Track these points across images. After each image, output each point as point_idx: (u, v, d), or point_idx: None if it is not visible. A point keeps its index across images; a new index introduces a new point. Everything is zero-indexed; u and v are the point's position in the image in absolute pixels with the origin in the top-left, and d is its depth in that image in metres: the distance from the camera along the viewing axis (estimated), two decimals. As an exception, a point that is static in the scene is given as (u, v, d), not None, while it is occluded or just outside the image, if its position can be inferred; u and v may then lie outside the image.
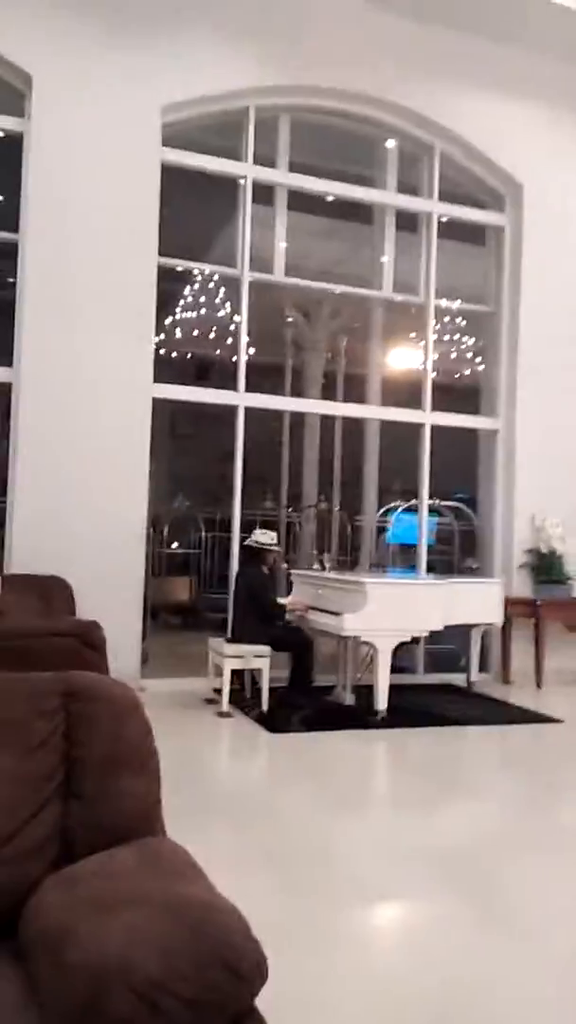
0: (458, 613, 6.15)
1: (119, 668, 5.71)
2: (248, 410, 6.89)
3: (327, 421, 9.05)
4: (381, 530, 9.59)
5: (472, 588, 6.43)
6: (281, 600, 6.11)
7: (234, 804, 3.87)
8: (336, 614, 5.58)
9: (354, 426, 8.84)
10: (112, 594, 5.96)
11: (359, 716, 5.64)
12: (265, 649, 5.63)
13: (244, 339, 6.95)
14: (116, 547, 6.09)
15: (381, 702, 5.52)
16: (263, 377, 8.75)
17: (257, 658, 5.62)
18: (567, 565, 7.36)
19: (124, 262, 6.25)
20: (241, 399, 6.91)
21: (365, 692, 5.78)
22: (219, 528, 9.49)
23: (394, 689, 5.68)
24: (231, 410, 6.86)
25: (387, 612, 5.52)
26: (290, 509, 10.79)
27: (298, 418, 8.95)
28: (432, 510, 7.95)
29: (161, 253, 6.43)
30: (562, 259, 7.66)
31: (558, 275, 7.63)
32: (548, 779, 4.59)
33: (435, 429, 7.46)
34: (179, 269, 7.10)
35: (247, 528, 6.54)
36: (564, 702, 6.67)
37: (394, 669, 5.71)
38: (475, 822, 3.76)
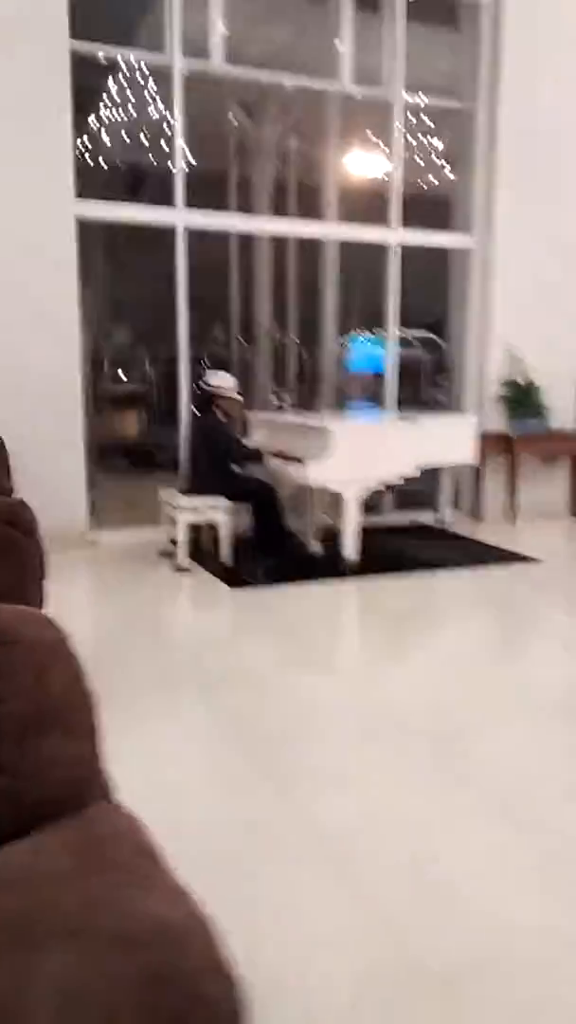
0: (430, 454, 5.74)
1: (64, 522, 5.33)
2: (191, 231, 6.06)
3: (280, 240, 8.15)
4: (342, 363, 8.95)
5: (445, 426, 5.96)
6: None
7: (198, 670, 3.54)
8: (298, 460, 5.13)
9: (311, 245, 7.97)
10: (49, 441, 5.42)
11: (327, 565, 5.27)
12: (223, 501, 5.20)
13: (180, 143, 5.99)
14: (48, 390, 5.47)
15: (350, 551, 5.20)
16: (205, 189, 7.77)
17: (214, 511, 5.21)
18: (543, 396, 6.94)
19: (25, 49, 5.21)
20: (179, 217, 6.03)
21: (334, 539, 5.39)
22: (167, 364, 8.77)
23: (364, 531, 5.34)
24: (171, 231, 6.02)
25: (355, 458, 5.07)
26: (244, 341, 10.05)
27: (247, 238, 8.03)
28: (401, 340, 7.35)
29: (75, 36, 5.38)
30: (550, 44, 6.65)
31: (545, 64, 6.65)
32: (529, 622, 4.38)
33: (402, 249, 6.72)
34: (101, 57, 5.92)
35: (197, 365, 5.92)
36: (539, 538, 6.46)
37: (368, 509, 5.32)
38: (450, 675, 3.50)
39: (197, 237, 6.15)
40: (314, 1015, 1.65)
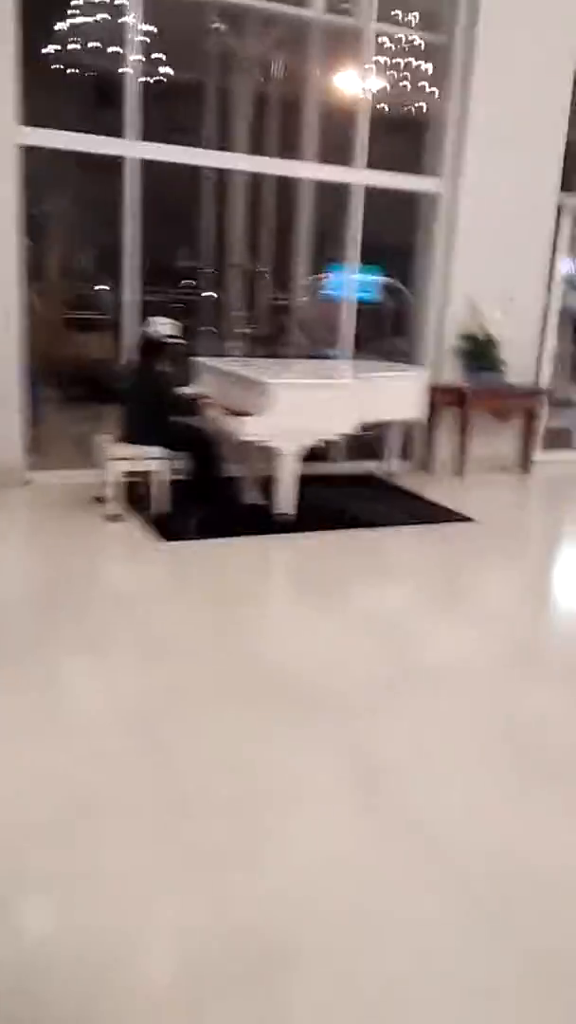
0: (375, 410, 5.70)
1: None
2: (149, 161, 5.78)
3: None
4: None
5: (392, 382, 5.90)
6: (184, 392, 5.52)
7: (98, 631, 3.58)
8: (241, 414, 5.10)
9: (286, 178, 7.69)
10: None
11: (263, 518, 5.25)
12: (159, 451, 5.15)
13: (134, 58, 5.62)
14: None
15: (285, 505, 5.22)
16: (180, 102, 7.37)
17: (149, 460, 5.17)
18: (501, 351, 6.87)
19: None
20: (131, 149, 5.71)
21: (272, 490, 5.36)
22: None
23: (307, 481, 5.33)
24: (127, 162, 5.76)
25: (294, 416, 5.03)
26: (212, 270, 9.78)
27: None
28: (361, 284, 7.19)
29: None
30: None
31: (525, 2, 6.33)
32: (440, 589, 4.46)
33: (368, 191, 6.51)
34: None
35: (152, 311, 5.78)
36: (483, 495, 6.52)
37: (308, 457, 5.30)
38: (354, 642, 3.60)
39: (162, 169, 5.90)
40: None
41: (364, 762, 2.73)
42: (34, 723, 2.83)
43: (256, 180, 7.80)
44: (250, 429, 4.97)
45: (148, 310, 5.90)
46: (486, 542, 5.37)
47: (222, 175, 7.87)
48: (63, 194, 8.42)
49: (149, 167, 5.75)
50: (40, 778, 2.52)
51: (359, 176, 6.47)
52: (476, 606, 4.35)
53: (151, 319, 5.36)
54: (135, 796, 2.46)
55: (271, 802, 2.50)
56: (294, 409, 5.03)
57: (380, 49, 6.76)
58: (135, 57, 5.68)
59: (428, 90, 6.89)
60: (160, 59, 7.51)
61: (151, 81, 5.73)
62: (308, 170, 7.00)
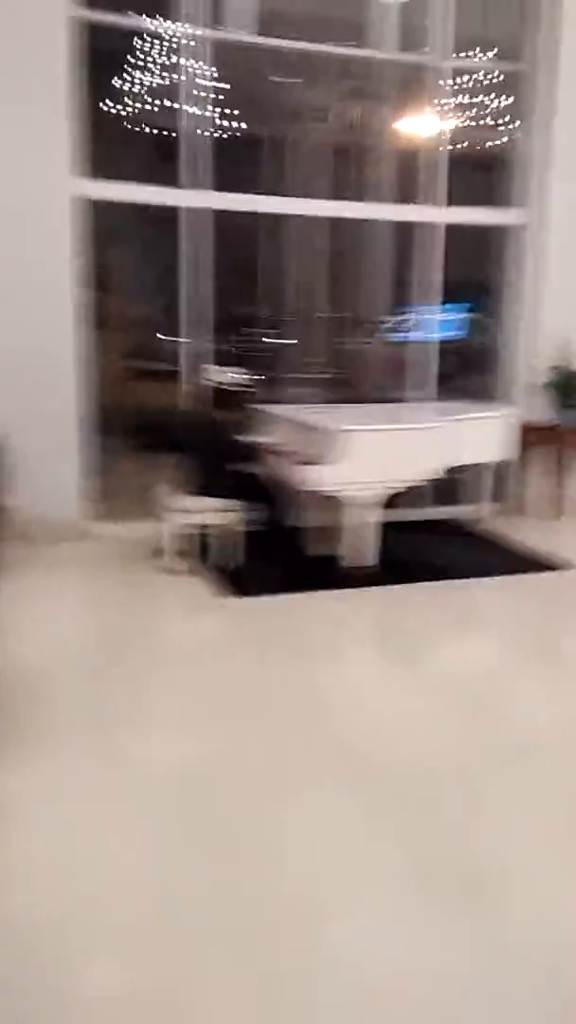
0: (461, 454, 5.43)
1: (55, 510, 5.26)
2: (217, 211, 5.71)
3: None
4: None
5: (480, 424, 5.61)
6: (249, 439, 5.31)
7: (170, 701, 3.36)
8: (312, 463, 4.91)
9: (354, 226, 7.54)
10: (38, 418, 5.22)
11: (334, 571, 4.93)
12: (221, 502, 4.90)
13: (198, 112, 5.62)
14: (37, 361, 5.28)
15: (362, 556, 4.99)
16: (245, 155, 7.30)
17: (209, 513, 4.90)
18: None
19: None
20: (185, 198, 5.64)
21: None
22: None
23: (389, 528, 5.07)
24: (197, 213, 5.71)
25: (369, 463, 4.82)
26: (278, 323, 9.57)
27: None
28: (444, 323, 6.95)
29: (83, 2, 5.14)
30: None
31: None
32: (532, 647, 4.10)
33: (449, 229, 6.31)
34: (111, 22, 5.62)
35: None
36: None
37: (388, 504, 5.02)
38: (437, 714, 3.29)
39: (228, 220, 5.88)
40: None
41: (452, 864, 2.42)
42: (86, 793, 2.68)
43: (334, 225, 7.70)
44: (320, 478, 4.77)
45: (218, 359, 5.84)
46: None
47: (292, 223, 7.82)
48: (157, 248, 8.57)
49: (220, 219, 5.72)
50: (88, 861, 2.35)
51: (440, 214, 6.28)
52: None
53: (208, 367, 5.27)
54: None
55: (333, 910, 2.20)
56: (366, 456, 4.81)
57: (458, 86, 6.59)
58: (199, 111, 5.68)
59: (508, 123, 6.65)
60: (230, 113, 7.58)
61: (223, 136, 5.72)
62: (389, 212, 6.84)
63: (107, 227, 5.71)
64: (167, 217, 5.74)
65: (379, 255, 7.74)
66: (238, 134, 7.57)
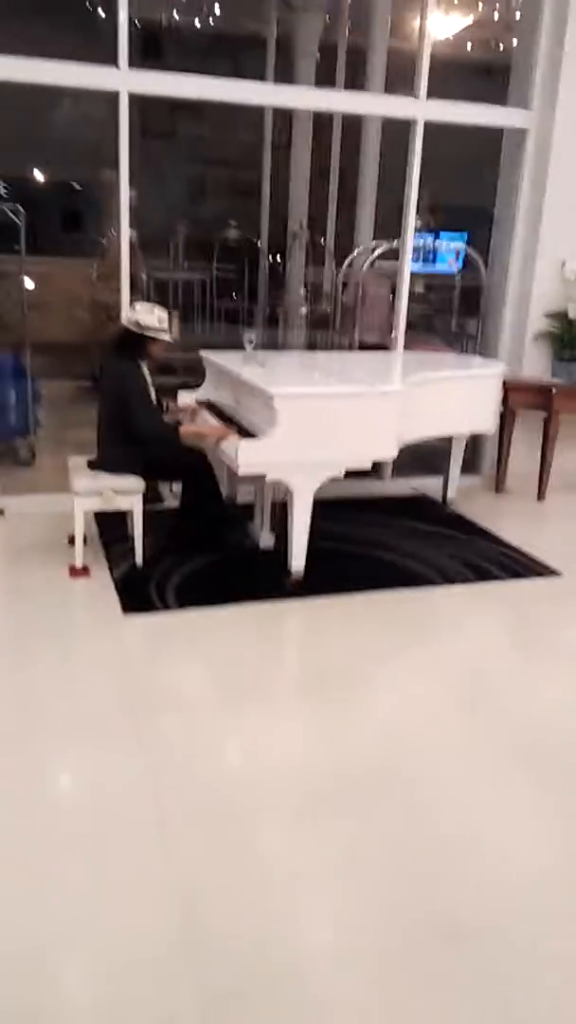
0: (430, 423, 4.32)
1: None
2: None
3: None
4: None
5: (455, 386, 4.46)
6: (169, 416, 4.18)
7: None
8: (252, 435, 3.77)
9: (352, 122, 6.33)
10: None
11: (273, 573, 3.91)
12: (133, 483, 3.89)
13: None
14: None
15: (296, 561, 3.88)
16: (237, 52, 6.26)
17: (124, 496, 3.93)
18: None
19: None
20: (121, 80, 4.40)
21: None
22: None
23: (344, 506, 4.14)
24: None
25: (307, 436, 3.67)
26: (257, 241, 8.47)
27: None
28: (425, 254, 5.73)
29: None
30: None
31: None
32: (500, 699, 3.03)
33: (432, 128, 4.99)
34: None
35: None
36: (569, 525, 5.09)
37: (353, 473, 3.90)
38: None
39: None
40: None
41: None
42: None
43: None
44: (243, 457, 3.61)
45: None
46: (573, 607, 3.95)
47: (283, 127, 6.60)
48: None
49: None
50: None
51: (418, 108, 4.95)
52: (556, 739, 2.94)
53: (135, 305, 4.04)
54: None
55: None
56: (309, 426, 3.65)
57: None
58: None
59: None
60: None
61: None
62: (363, 103, 5.52)
63: None
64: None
65: (369, 157, 6.64)
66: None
